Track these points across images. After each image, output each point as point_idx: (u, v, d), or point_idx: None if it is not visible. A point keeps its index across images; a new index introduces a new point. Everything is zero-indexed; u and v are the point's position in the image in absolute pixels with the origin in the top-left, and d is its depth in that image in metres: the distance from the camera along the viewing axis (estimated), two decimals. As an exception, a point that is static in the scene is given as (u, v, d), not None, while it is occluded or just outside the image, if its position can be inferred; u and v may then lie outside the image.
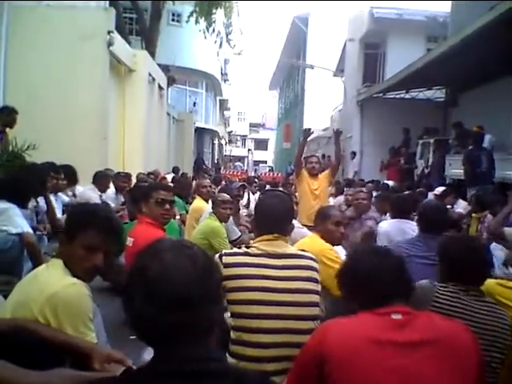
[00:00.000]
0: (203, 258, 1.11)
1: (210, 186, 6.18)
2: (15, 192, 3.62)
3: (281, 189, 8.59)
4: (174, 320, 1.01)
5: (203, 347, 1.06)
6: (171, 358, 1.03)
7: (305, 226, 4.67)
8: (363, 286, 1.68)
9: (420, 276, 2.40)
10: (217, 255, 2.19)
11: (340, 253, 3.40)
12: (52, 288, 1.74)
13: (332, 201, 8.31)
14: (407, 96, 15.09)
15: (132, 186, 6.67)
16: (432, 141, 12.07)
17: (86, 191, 5.93)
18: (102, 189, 6.27)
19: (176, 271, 1.04)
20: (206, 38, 15.88)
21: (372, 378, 1.42)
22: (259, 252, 2.20)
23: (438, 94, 14.91)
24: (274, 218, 2.27)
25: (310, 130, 6.42)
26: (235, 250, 2.32)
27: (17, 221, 3.45)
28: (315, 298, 2.18)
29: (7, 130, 5.54)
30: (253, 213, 2.72)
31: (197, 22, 15.69)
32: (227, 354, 2.10)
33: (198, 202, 5.82)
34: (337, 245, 3.35)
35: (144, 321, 1.04)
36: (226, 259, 2.18)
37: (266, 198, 2.43)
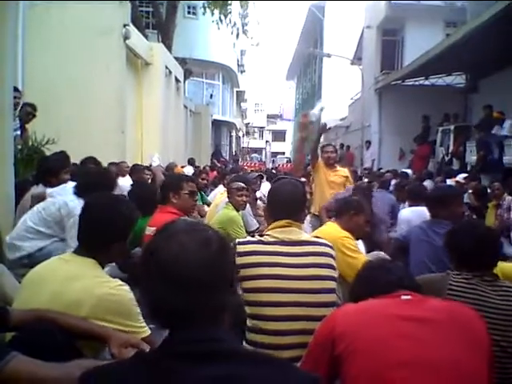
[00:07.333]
0: (217, 240, 1.09)
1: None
2: None
3: (303, 179, 8.53)
4: (187, 302, 1.01)
5: (215, 329, 1.06)
6: (182, 340, 1.03)
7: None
8: (374, 276, 1.74)
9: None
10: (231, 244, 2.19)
11: (359, 245, 3.38)
12: (100, 290, 1.83)
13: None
14: (426, 82, 14.83)
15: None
16: (452, 127, 11.87)
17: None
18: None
19: (189, 253, 1.03)
20: (219, 28, 15.85)
21: (387, 345, 1.43)
22: (272, 240, 2.19)
23: (457, 79, 14.62)
24: (287, 203, 2.25)
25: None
26: (249, 238, 2.31)
27: None
28: (332, 284, 2.16)
29: (26, 125, 5.62)
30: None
31: (213, 13, 15.67)
32: (244, 342, 2.11)
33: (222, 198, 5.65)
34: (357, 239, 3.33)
35: (157, 302, 1.05)
36: (239, 248, 2.17)
37: (279, 184, 2.42)
